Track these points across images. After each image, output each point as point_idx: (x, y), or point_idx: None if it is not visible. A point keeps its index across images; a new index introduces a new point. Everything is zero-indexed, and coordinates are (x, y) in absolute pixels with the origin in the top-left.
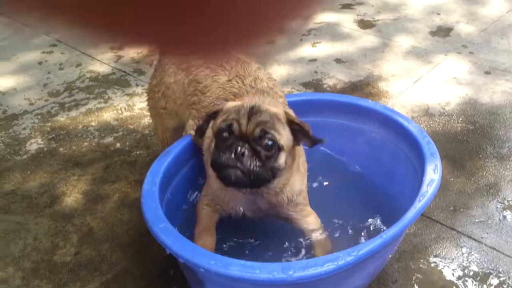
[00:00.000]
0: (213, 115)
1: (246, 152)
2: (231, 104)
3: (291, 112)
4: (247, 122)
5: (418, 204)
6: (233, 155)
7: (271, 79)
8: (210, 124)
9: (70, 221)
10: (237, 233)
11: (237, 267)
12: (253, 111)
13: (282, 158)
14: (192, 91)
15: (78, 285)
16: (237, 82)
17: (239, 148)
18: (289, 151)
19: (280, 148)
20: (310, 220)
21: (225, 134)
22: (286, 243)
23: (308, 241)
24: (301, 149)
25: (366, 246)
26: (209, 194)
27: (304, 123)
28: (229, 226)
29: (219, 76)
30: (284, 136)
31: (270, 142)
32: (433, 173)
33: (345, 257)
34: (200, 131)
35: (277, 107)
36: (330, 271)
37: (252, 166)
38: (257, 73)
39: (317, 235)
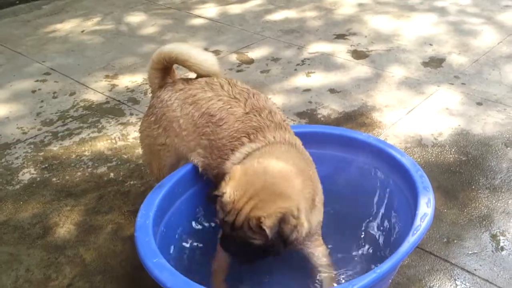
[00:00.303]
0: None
1: (234, 250)
2: (227, 196)
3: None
4: (230, 232)
5: (412, 238)
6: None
7: (279, 110)
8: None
9: (63, 253)
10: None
11: None
12: (233, 227)
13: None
14: (204, 123)
15: None
16: (255, 116)
17: (231, 247)
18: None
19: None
20: (322, 250)
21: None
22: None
23: (316, 271)
24: (318, 187)
25: (360, 281)
26: None
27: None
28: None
29: (234, 108)
30: (258, 239)
31: (252, 249)
32: (426, 207)
33: None
34: (209, 199)
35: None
36: None
37: (243, 259)
38: (269, 104)
39: (327, 264)
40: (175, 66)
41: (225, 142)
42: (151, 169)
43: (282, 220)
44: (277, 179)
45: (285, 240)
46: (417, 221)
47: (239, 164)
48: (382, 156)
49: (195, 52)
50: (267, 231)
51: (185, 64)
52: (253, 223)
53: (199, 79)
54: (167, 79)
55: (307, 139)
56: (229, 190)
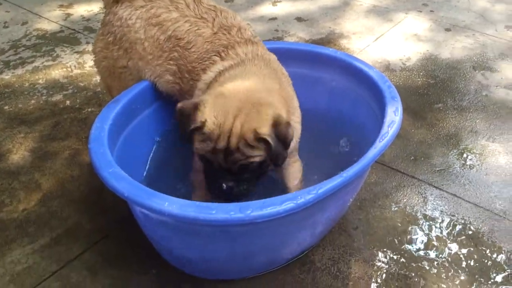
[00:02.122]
0: (195, 129)
1: (231, 184)
2: (210, 123)
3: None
4: (225, 161)
5: (379, 144)
6: (223, 187)
7: (249, 26)
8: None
9: (17, 178)
10: None
11: (193, 208)
12: (227, 152)
13: (268, 165)
14: (171, 48)
15: (26, 241)
16: (224, 34)
17: (224, 184)
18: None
19: (263, 163)
20: (295, 169)
21: (208, 164)
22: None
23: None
24: (293, 105)
25: (326, 185)
26: None
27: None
28: None
29: (202, 29)
30: (258, 155)
31: (250, 173)
32: (393, 115)
33: (305, 196)
34: (184, 139)
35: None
36: (289, 209)
37: (242, 190)
38: (237, 21)
39: (297, 182)
40: None
41: (195, 64)
42: (111, 93)
43: (275, 123)
44: (258, 93)
45: (285, 140)
46: (384, 129)
47: (209, 84)
48: (350, 70)
49: None
50: (268, 139)
51: None
52: (251, 138)
53: None
54: None
55: None
56: (209, 116)
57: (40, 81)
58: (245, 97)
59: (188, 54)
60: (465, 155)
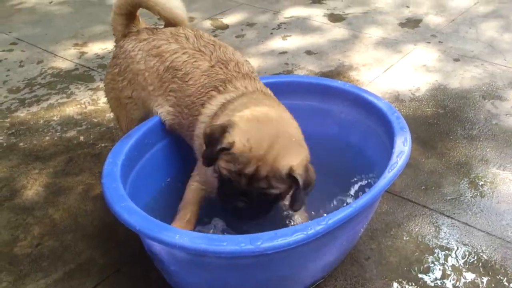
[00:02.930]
0: (222, 149)
1: (245, 206)
2: (239, 145)
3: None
4: (247, 185)
5: (388, 175)
6: (237, 206)
7: (248, 62)
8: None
9: (31, 214)
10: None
11: (203, 240)
12: (254, 178)
13: (282, 198)
14: (169, 78)
15: (40, 275)
16: (221, 68)
17: (240, 204)
18: None
19: (278, 197)
20: None
21: (227, 183)
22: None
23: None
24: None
25: (336, 215)
26: (201, 176)
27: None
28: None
29: (200, 62)
30: (281, 188)
31: (266, 201)
32: (402, 146)
33: (315, 226)
34: (208, 162)
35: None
36: (299, 240)
37: (253, 214)
38: (236, 56)
39: (301, 211)
40: (139, 13)
41: (194, 99)
42: (119, 123)
43: (307, 167)
44: (286, 126)
45: (309, 184)
46: (394, 159)
47: (213, 117)
48: (358, 102)
49: None
50: (300, 180)
51: (148, 4)
52: (284, 172)
53: (165, 29)
54: (131, 28)
55: (281, 89)
56: (238, 139)
57: (55, 118)
58: (281, 127)
59: (186, 87)
60: (476, 184)
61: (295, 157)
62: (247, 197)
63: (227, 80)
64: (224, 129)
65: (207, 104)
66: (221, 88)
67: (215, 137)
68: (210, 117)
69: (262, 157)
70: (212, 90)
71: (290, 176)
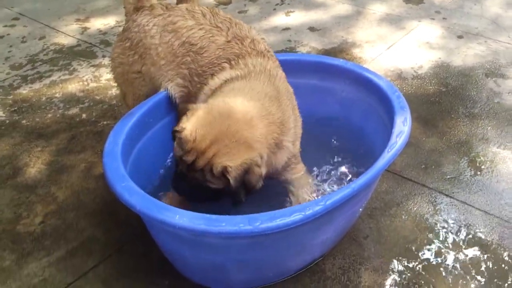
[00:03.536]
0: (175, 131)
1: (186, 190)
2: (187, 133)
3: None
4: (186, 171)
5: (387, 155)
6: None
7: (264, 40)
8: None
9: (34, 192)
10: None
11: (203, 221)
12: (191, 167)
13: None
14: (184, 53)
15: (42, 254)
16: (237, 44)
17: (182, 185)
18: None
19: (220, 192)
20: (300, 180)
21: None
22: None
23: (293, 196)
24: (287, 126)
25: (334, 196)
26: None
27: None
28: None
29: (216, 37)
30: (218, 184)
31: (206, 192)
32: (402, 125)
33: (313, 207)
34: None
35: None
36: (297, 220)
37: (195, 198)
38: (252, 34)
39: (304, 191)
40: None
41: (206, 69)
42: (125, 100)
43: (248, 171)
44: (241, 125)
45: (250, 189)
46: (393, 139)
47: (214, 91)
48: (359, 80)
49: None
50: (231, 180)
51: None
52: (218, 170)
53: (180, 6)
54: (143, 1)
55: (283, 67)
56: (189, 127)
57: (57, 95)
58: (234, 126)
59: (200, 59)
60: (476, 163)
61: (234, 158)
62: (187, 182)
63: (241, 55)
64: (187, 111)
65: (216, 75)
66: (233, 62)
67: (180, 115)
68: (211, 90)
69: (202, 150)
70: (225, 62)
71: (223, 175)
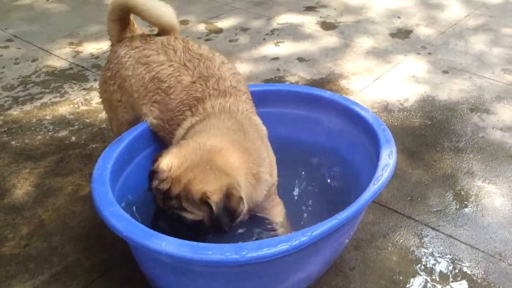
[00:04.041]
0: (152, 171)
1: (163, 224)
2: (163, 165)
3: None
4: (162, 203)
5: (373, 187)
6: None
7: (235, 75)
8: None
9: (20, 214)
10: None
11: (189, 248)
12: (166, 196)
13: (208, 229)
14: (154, 89)
15: (26, 277)
16: (201, 85)
17: (161, 223)
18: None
19: (200, 224)
20: (277, 210)
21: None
22: (251, 232)
23: (272, 229)
24: (261, 156)
25: (320, 227)
26: None
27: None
28: None
29: (183, 76)
30: (197, 213)
31: (185, 226)
32: (388, 158)
33: (299, 238)
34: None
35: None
36: (283, 251)
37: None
38: (220, 71)
39: (281, 223)
40: (133, 18)
41: (173, 115)
42: (111, 123)
43: (229, 194)
44: (213, 155)
45: (233, 214)
46: (379, 172)
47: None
48: (346, 113)
49: (152, 2)
50: (214, 207)
51: (136, 10)
52: (197, 198)
53: (157, 39)
54: (126, 33)
55: (271, 97)
56: (165, 161)
57: (48, 117)
58: (207, 155)
59: (168, 101)
60: (461, 196)
61: (212, 183)
62: (165, 216)
63: (201, 99)
64: (160, 155)
65: (180, 125)
66: (193, 109)
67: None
68: (177, 140)
69: (178, 176)
70: (187, 109)
71: (204, 202)
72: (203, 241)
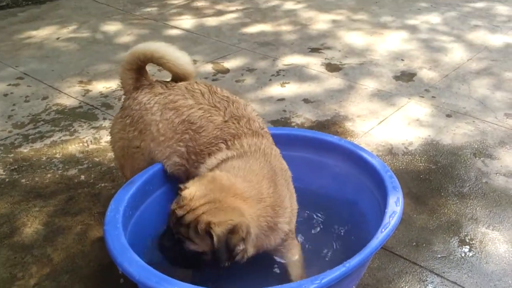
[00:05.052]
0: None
1: (167, 245)
2: (187, 192)
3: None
4: (173, 226)
5: (380, 235)
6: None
7: (259, 117)
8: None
9: (30, 252)
10: None
11: None
12: (177, 221)
13: (209, 262)
14: (183, 130)
15: None
16: (233, 123)
17: (167, 243)
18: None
19: (202, 255)
20: (293, 253)
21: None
22: (263, 272)
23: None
24: (283, 206)
25: (329, 275)
26: None
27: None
28: None
29: (214, 117)
30: (200, 245)
31: (187, 253)
32: (395, 205)
33: (308, 285)
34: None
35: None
36: None
37: (171, 259)
38: (248, 112)
39: (297, 266)
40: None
41: (203, 148)
42: (123, 172)
43: (232, 231)
44: (237, 200)
45: (231, 251)
46: (386, 219)
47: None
48: (353, 158)
49: (171, 50)
50: (215, 238)
51: (160, 61)
52: (201, 227)
53: (179, 84)
54: (142, 81)
55: (278, 141)
56: (191, 188)
57: (57, 155)
58: (230, 195)
59: (198, 137)
60: (466, 243)
61: (220, 217)
62: (172, 238)
63: (237, 135)
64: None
65: (213, 155)
66: (229, 143)
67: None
68: (208, 169)
69: (194, 208)
70: (221, 142)
71: (207, 232)
72: (201, 272)
